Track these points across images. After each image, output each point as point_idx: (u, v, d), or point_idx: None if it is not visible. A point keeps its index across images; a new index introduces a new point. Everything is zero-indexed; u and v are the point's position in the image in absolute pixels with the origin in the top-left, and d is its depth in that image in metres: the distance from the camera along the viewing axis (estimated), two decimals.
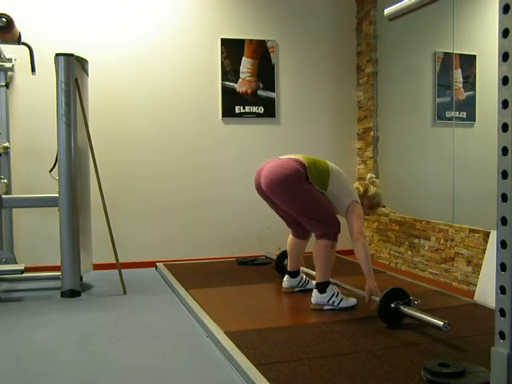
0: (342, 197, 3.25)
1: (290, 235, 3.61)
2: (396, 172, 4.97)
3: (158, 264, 4.65)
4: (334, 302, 3.19)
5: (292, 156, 3.28)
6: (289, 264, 3.63)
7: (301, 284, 3.64)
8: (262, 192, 3.35)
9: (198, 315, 3.13)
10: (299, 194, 3.15)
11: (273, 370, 2.28)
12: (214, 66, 4.98)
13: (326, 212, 3.20)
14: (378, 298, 2.97)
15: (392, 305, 2.92)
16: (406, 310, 2.88)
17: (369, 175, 3.64)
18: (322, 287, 3.20)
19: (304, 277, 3.67)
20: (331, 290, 3.21)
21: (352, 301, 3.24)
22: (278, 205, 3.36)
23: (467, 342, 2.64)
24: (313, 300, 3.23)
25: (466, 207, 4.01)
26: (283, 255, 4.01)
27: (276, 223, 5.01)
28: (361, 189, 3.45)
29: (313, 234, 3.33)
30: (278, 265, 4.10)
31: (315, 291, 3.23)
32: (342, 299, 3.20)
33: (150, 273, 4.55)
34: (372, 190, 3.48)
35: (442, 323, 2.61)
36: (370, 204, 3.48)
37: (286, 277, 3.65)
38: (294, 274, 3.63)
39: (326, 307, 3.21)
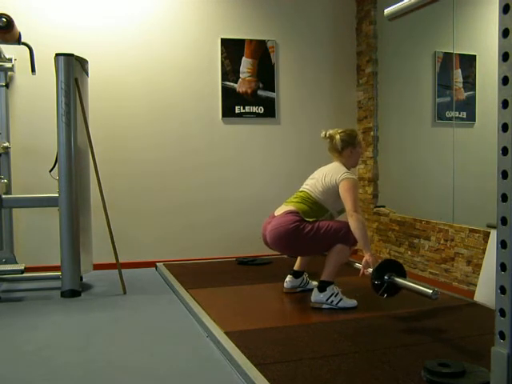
0: (334, 191, 3.26)
1: None
2: (396, 172, 4.97)
3: (157, 264, 4.65)
4: (332, 301, 3.20)
5: (289, 207, 3.31)
6: (297, 263, 3.62)
7: (302, 284, 3.65)
8: (269, 246, 3.42)
9: (198, 315, 3.13)
10: (307, 243, 3.21)
11: (273, 369, 2.28)
12: (213, 66, 4.98)
13: (335, 232, 3.19)
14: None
15: (385, 276, 2.94)
16: (398, 280, 2.91)
17: (322, 133, 3.50)
18: (322, 286, 3.21)
19: (305, 277, 3.67)
20: (331, 289, 3.21)
21: (352, 302, 3.23)
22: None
23: (467, 341, 2.64)
24: (312, 298, 3.25)
25: (465, 207, 4.01)
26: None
27: None
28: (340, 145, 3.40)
29: None
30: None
31: (315, 290, 3.25)
32: (341, 299, 3.21)
33: (150, 273, 4.55)
34: (343, 137, 3.41)
35: (430, 291, 2.70)
36: (357, 148, 3.44)
37: (289, 277, 3.64)
38: (299, 275, 3.63)
39: (324, 306, 3.21)
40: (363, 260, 3.08)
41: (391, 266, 3.02)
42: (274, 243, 3.28)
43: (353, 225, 3.11)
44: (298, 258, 3.63)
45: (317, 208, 3.31)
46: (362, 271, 3.09)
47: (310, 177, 3.48)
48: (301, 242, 3.21)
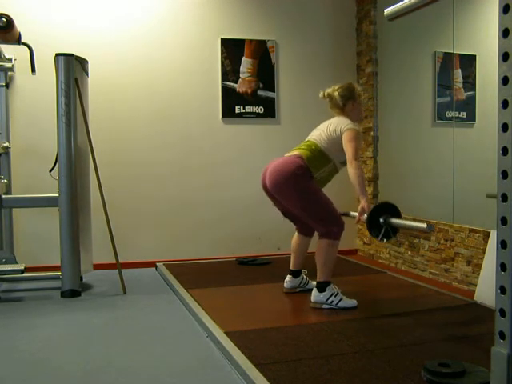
0: (338, 141, 3.25)
1: (296, 233, 3.61)
2: (396, 172, 4.96)
3: (157, 264, 4.65)
4: (332, 301, 3.19)
5: (295, 152, 3.33)
6: (292, 262, 3.62)
7: (302, 284, 3.65)
8: (268, 191, 3.40)
9: (197, 315, 3.12)
10: (302, 193, 3.21)
11: (273, 369, 2.28)
12: (214, 66, 4.98)
13: (327, 211, 3.23)
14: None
15: (381, 219, 2.97)
16: (394, 221, 2.94)
17: (321, 94, 3.52)
18: (321, 286, 3.21)
19: (304, 277, 3.67)
20: (331, 289, 3.21)
21: (352, 302, 3.23)
22: (280, 204, 3.40)
23: (467, 342, 2.64)
24: (312, 298, 3.25)
25: (465, 207, 4.01)
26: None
27: (276, 223, 5.03)
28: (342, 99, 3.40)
29: (315, 233, 3.37)
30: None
31: (315, 290, 3.25)
32: (341, 299, 3.20)
33: (150, 273, 4.55)
34: (343, 90, 3.40)
35: (425, 225, 2.74)
36: (357, 100, 3.43)
37: (288, 277, 3.64)
38: (297, 274, 3.63)
39: (324, 306, 3.21)
40: (359, 207, 3.10)
41: (385, 209, 3.02)
42: (273, 177, 3.25)
43: (351, 171, 3.12)
44: (293, 257, 3.61)
45: (321, 156, 3.29)
46: (357, 218, 3.11)
47: (316, 128, 3.48)
48: (295, 189, 3.19)
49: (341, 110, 3.41)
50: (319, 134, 3.38)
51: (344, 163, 3.31)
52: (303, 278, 3.66)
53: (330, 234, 3.19)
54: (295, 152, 3.34)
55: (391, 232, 3.01)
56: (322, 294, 3.20)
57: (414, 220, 4.40)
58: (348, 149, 3.18)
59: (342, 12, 5.33)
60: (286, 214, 3.57)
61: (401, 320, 3.00)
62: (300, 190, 3.20)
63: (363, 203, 3.08)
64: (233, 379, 2.31)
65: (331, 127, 3.32)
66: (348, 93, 3.39)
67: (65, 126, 3.70)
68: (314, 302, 3.23)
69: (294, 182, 3.19)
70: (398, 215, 3.03)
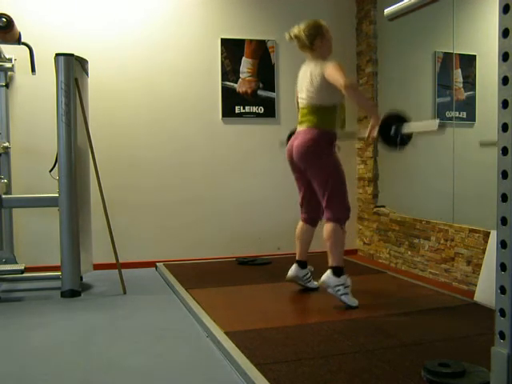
0: (327, 84, 3.24)
1: (300, 222, 3.60)
2: (396, 172, 4.96)
3: (157, 264, 4.65)
4: (339, 290, 3.17)
5: (304, 127, 3.34)
6: (298, 252, 3.59)
7: (305, 278, 3.60)
8: (293, 163, 3.44)
9: (198, 315, 3.12)
10: (325, 165, 3.27)
11: (273, 369, 2.28)
12: (214, 66, 4.98)
13: (343, 193, 3.29)
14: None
15: (392, 130, 2.96)
16: (405, 128, 2.92)
17: (287, 36, 3.51)
18: (338, 271, 3.20)
19: (309, 273, 3.63)
20: (345, 279, 3.20)
21: (354, 301, 3.21)
22: (303, 178, 3.46)
23: (467, 341, 2.64)
24: (323, 277, 3.22)
25: (465, 207, 4.01)
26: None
27: (276, 223, 5.04)
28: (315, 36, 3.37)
29: (319, 223, 3.46)
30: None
31: (330, 271, 3.21)
32: (346, 293, 3.19)
33: (150, 273, 4.55)
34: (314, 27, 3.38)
35: (436, 122, 2.71)
36: (326, 36, 3.40)
37: (294, 265, 3.59)
38: (303, 265, 3.59)
39: (329, 290, 3.20)
40: (370, 125, 3.11)
41: (394, 119, 3.01)
42: (300, 151, 3.30)
43: (350, 95, 3.12)
44: (298, 247, 3.59)
45: (323, 111, 3.30)
46: (368, 133, 3.12)
47: (298, 88, 3.45)
48: (321, 158, 3.26)
49: (310, 49, 3.36)
50: (306, 95, 3.35)
51: (343, 96, 3.31)
52: (308, 272, 3.62)
53: (339, 220, 3.24)
54: (304, 126, 3.34)
55: (406, 139, 2.98)
56: (334, 279, 3.18)
57: (414, 220, 4.40)
58: (336, 78, 3.13)
59: (342, 12, 5.33)
60: (304, 196, 3.56)
61: (401, 320, 3.00)
62: (324, 162, 3.26)
63: (373, 120, 3.08)
64: (233, 379, 2.31)
65: (314, 80, 3.28)
66: (314, 31, 3.34)
67: (65, 126, 3.70)
68: (323, 281, 3.22)
69: (320, 152, 3.25)
70: (407, 121, 2.99)
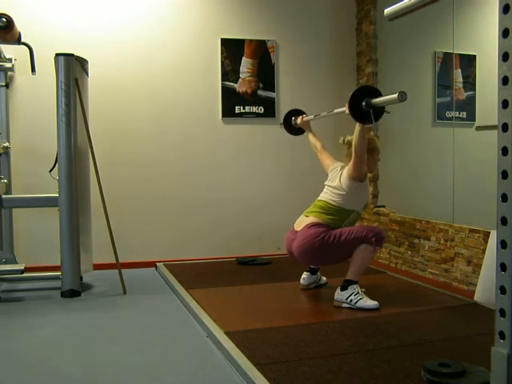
0: (355, 186, 3.33)
1: None
2: (396, 172, 4.96)
3: (157, 264, 4.65)
4: (351, 300, 3.22)
5: (308, 221, 3.36)
6: None
7: (317, 280, 3.74)
8: (296, 258, 3.48)
9: (198, 315, 3.13)
10: (333, 252, 3.30)
11: (273, 369, 2.28)
12: (214, 66, 4.98)
13: (356, 235, 3.25)
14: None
15: (363, 104, 3.01)
16: (374, 101, 2.96)
17: (340, 139, 3.60)
18: (345, 285, 3.26)
19: (319, 274, 3.77)
20: (352, 288, 3.24)
21: (373, 303, 3.20)
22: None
23: (467, 341, 2.64)
24: (335, 296, 3.30)
25: (465, 207, 4.01)
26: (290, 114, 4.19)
27: (276, 223, 5.03)
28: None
29: None
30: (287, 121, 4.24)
31: (338, 289, 3.29)
32: (360, 299, 3.21)
33: (150, 273, 4.55)
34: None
35: (396, 95, 2.74)
36: (374, 154, 3.49)
37: (306, 273, 3.71)
38: (314, 271, 3.71)
39: (344, 305, 3.24)
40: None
41: (364, 93, 3.06)
42: (303, 258, 3.38)
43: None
44: None
45: (340, 213, 3.36)
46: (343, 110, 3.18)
47: (328, 182, 3.50)
48: (327, 252, 3.28)
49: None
50: (332, 191, 3.40)
51: (365, 206, 3.43)
52: (319, 275, 3.75)
53: (371, 242, 3.23)
54: (310, 218, 3.36)
55: (378, 111, 3.02)
56: (343, 293, 3.25)
57: (414, 220, 4.40)
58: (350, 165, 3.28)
59: (342, 12, 5.33)
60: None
61: (401, 320, 3.00)
62: (330, 250, 3.28)
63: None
64: (233, 379, 2.31)
65: (343, 181, 3.35)
66: (368, 146, 3.39)
67: (65, 126, 3.70)
68: (336, 299, 3.29)
69: (322, 252, 3.29)
70: (378, 94, 3.03)
